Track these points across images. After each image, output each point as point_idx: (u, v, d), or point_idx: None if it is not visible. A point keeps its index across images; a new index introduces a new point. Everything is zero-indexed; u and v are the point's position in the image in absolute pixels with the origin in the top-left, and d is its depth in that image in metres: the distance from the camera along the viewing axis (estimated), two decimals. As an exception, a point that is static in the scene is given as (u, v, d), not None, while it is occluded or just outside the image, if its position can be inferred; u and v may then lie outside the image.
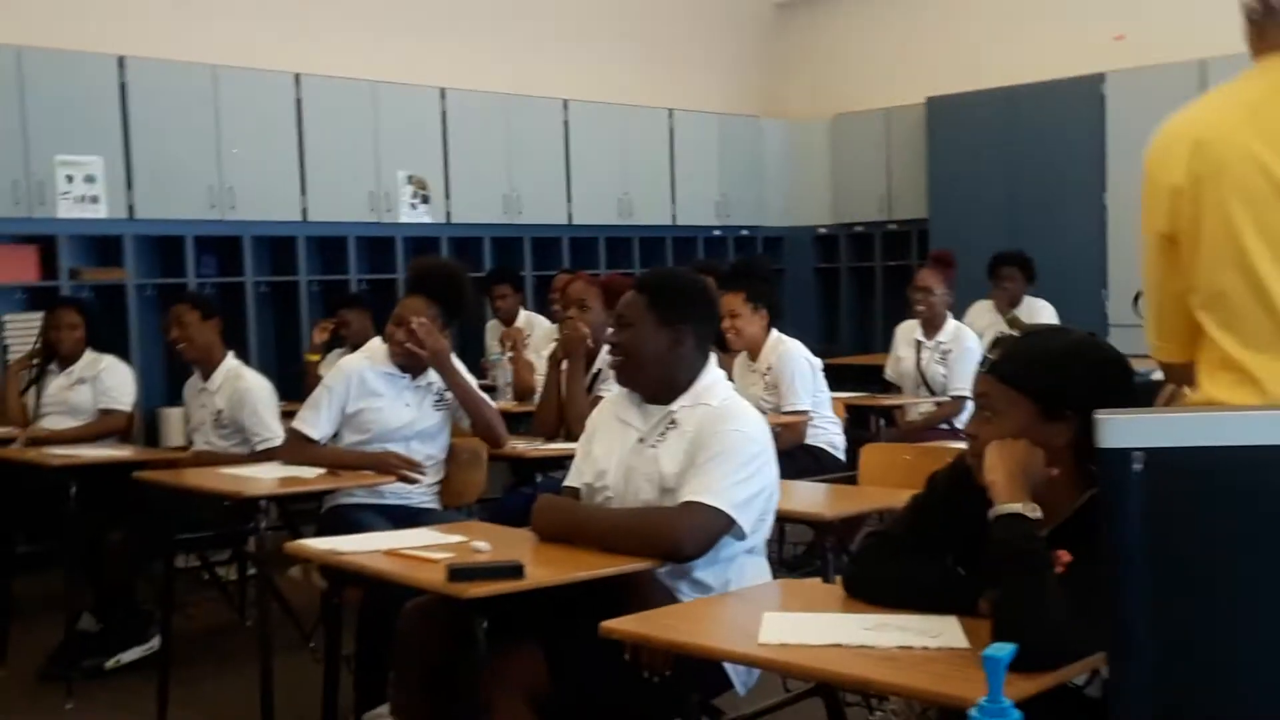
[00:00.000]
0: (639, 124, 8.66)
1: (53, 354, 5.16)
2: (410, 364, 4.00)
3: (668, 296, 2.72)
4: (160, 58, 6.52)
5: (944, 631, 1.86)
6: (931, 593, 1.97)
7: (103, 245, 6.53)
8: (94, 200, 6.29)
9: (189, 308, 4.67)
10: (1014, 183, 8.37)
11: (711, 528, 2.48)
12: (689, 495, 2.50)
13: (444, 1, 8.11)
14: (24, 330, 6.05)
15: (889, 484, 3.32)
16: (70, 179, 6.20)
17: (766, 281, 5.31)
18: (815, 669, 1.76)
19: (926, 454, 3.42)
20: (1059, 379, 1.92)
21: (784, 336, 4.99)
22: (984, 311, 6.77)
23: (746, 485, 2.52)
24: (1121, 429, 1.32)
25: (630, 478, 2.68)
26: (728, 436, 2.55)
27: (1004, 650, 1.41)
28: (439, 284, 4.05)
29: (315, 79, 7.06)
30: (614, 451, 2.74)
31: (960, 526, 2.04)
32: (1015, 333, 2.09)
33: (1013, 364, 1.95)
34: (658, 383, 2.71)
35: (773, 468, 2.63)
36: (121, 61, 6.36)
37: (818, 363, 4.96)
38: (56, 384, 5.14)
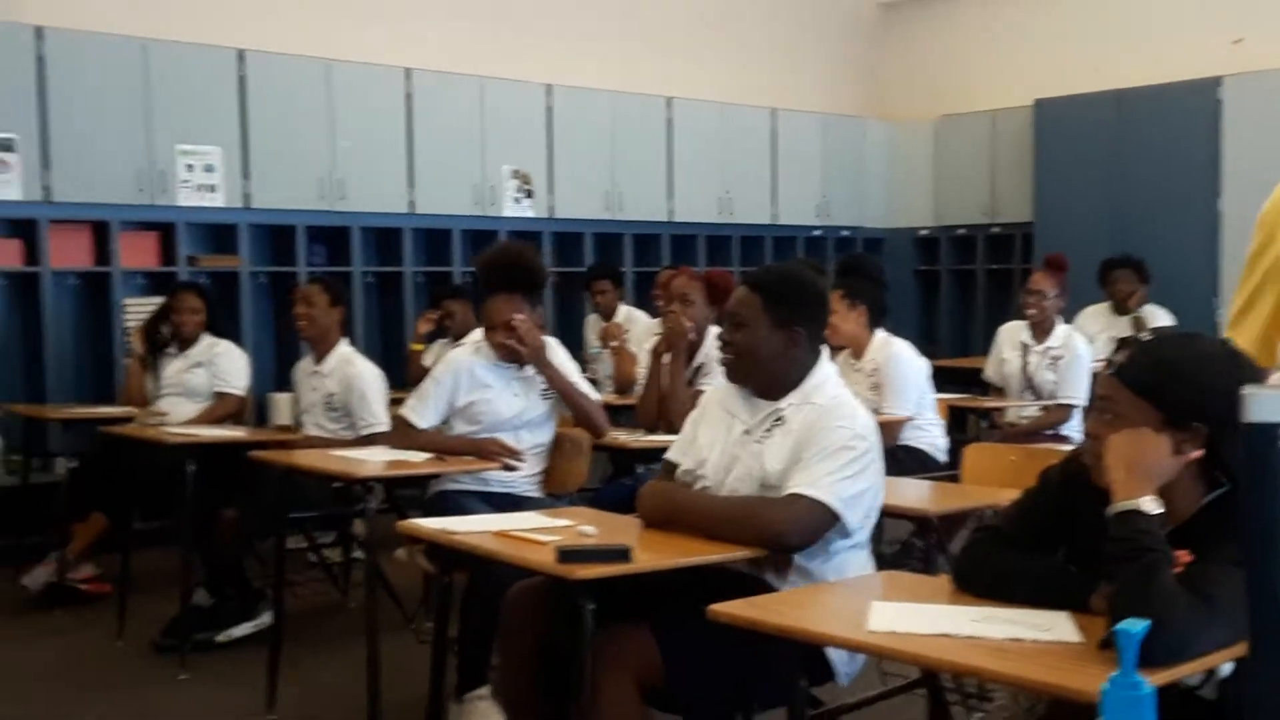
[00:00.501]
0: (742, 123, 8.67)
1: (172, 335, 5.34)
2: (514, 357, 4.05)
3: (783, 297, 2.72)
4: (277, 51, 6.70)
5: (1055, 625, 1.86)
6: (1042, 587, 1.96)
7: (219, 233, 6.73)
8: (212, 189, 6.49)
9: (320, 289, 4.79)
10: (1123, 187, 8.21)
11: (816, 521, 2.50)
12: (795, 488, 2.51)
13: (550, 1, 8.20)
14: (143, 314, 6.24)
15: (992, 484, 3.29)
16: (190, 168, 6.41)
17: (871, 280, 5.28)
18: (926, 656, 1.76)
19: (1032, 455, 3.39)
20: (1189, 390, 1.87)
21: (893, 337, 4.96)
22: (1096, 316, 6.67)
23: (854, 481, 2.53)
24: (1269, 404, 1.26)
25: (731, 469, 2.70)
26: (835, 433, 2.56)
27: (1138, 626, 1.38)
28: (518, 275, 4.03)
29: (425, 74, 7.19)
30: (717, 442, 2.75)
31: (1072, 523, 2.02)
32: (1143, 335, 2.03)
33: (1141, 370, 1.91)
34: (769, 382, 2.73)
35: (879, 465, 2.63)
36: (241, 55, 6.56)
37: (926, 365, 4.94)
38: (174, 366, 5.32)
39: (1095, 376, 2.02)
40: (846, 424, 2.58)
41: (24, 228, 6.11)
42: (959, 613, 1.94)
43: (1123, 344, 1.99)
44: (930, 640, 1.80)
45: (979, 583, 2.04)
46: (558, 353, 4.13)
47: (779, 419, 2.67)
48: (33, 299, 6.17)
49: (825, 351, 2.80)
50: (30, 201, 5.98)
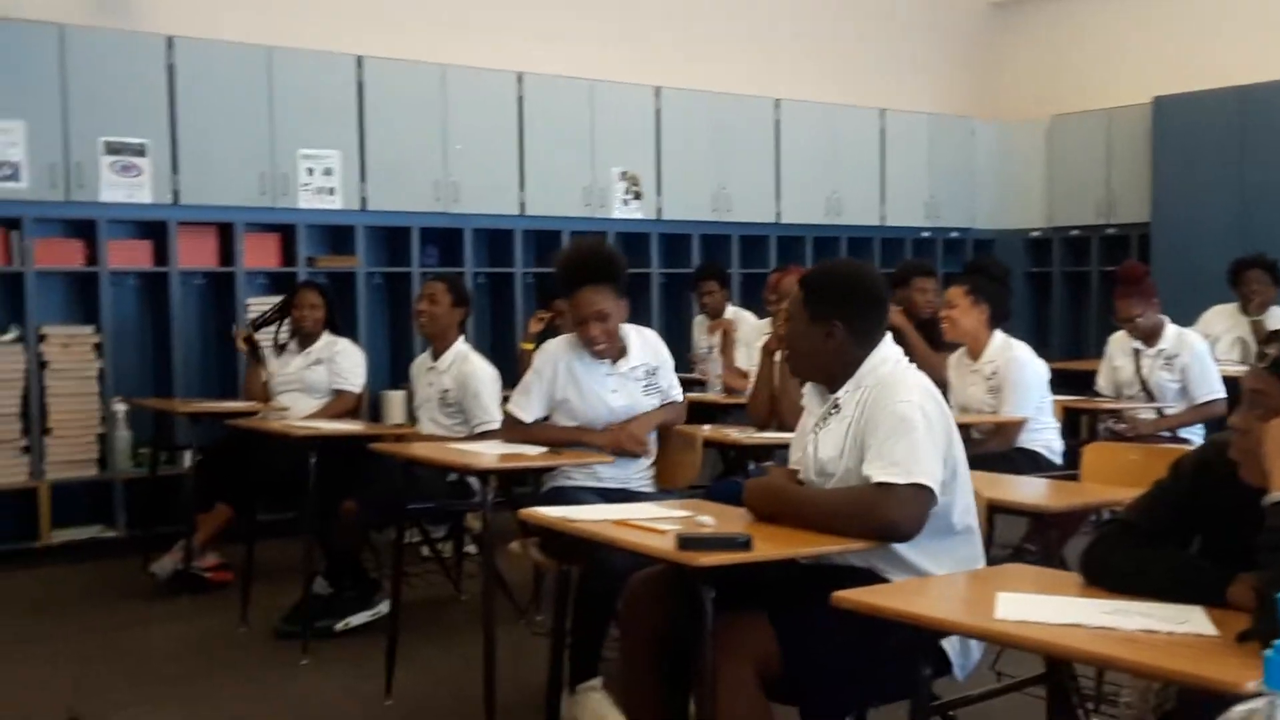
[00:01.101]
0: (849, 123, 8.62)
1: (293, 332, 5.50)
2: (606, 352, 4.05)
3: (819, 292, 2.77)
4: (394, 57, 6.85)
5: (1189, 619, 1.83)
6: (1176, 580, 1.94)
7: (336, 234, 6.90)
8: (331, 192, 6.66)
9: (445, 289, 4.87)
10: (1245, 187, 7.99)
11: (918, 504, 2.50)
12: (881, 477, 2.51)
13: (658, 5, 8.26)
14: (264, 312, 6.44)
15: (1112, 483, 3.24)
16: (310, 171, 6.58)
17: (996, 281, 5.23)
18: (1058, 645, 1.74)
19: (1154, 454, 3.32)
20: None
21: (1014, 340, 4.91)
22: (1223, 316, 6.51)
23: (929, 451, 2.53)
24: None
25: (807, 462, 2.77)
26: (893, 410, 2.57)
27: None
28: (602, 266, 3.98)
29: (536, 77, 7.29)
30: (801, 437, 2.84)
31: (1204, 516, 1.99)
32: None
33: None
34: (816, 373, 2.79)
35: (944, 421, 2.62)
36: (360, 61, 6.72)
37: (1045, 368, 4.87)
38: (295, 363, 5.47)
39: (1246, 371, 1.99)
40: (900, 397, 2.59)
41: (154, 229, 6.34)
42: (1089, 605, 1.92)
43: (1272, 337, 1.97)
44: (1061, 630, 1.79)
45: (1109, 576, 2.02)
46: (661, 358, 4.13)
47: (835, 407, 2.72)
48: (162, 298, 6.40)
49: (887, 336, 2.81)
50: (160, 204, 6.20)
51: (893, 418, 2.56)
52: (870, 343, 2.75)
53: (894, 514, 2.48)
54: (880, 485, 2.51)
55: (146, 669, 4.34)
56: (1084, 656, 1.84)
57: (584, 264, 3.98)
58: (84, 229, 6.17)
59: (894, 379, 2.67)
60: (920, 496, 2.50)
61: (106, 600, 5.28)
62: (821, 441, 2.71)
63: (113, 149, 6.04)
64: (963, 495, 2.65)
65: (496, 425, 4.61)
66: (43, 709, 3.92)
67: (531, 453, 3.86)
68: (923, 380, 2.69)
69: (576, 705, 3.58)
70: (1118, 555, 2.03)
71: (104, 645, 4.61)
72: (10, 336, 5.94)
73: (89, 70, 5.97)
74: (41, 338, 5.99)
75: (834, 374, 2.75)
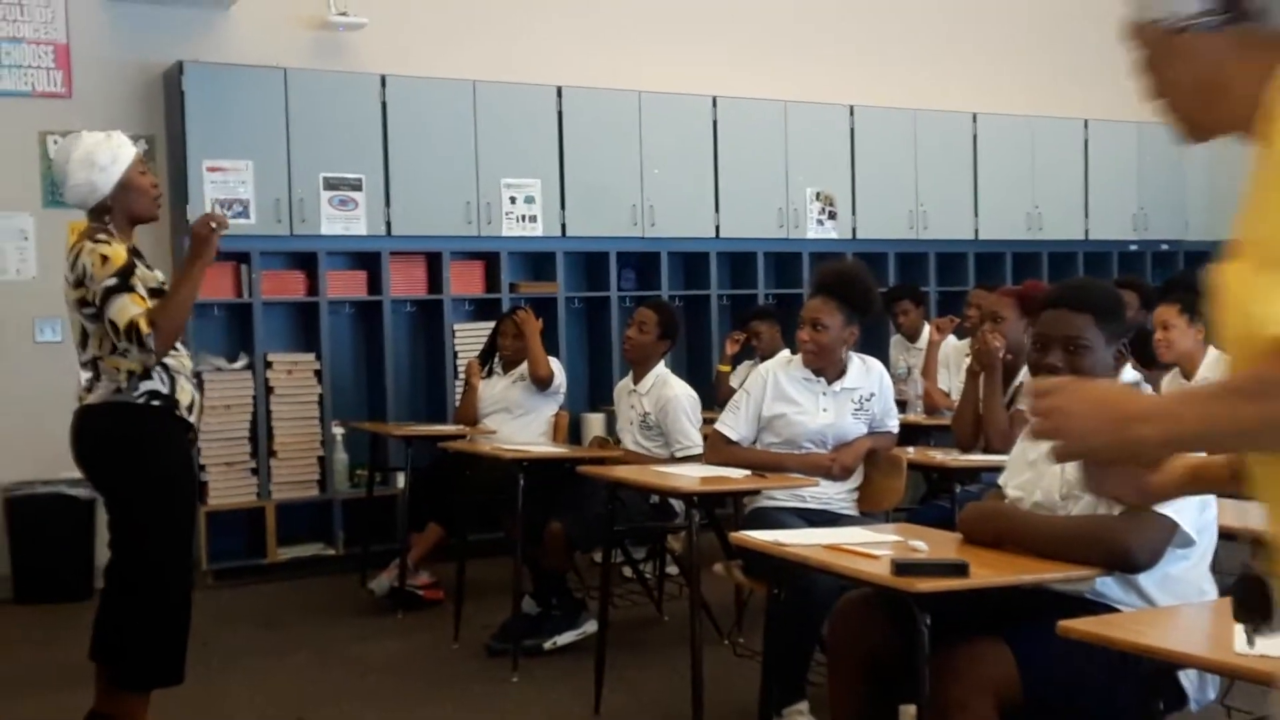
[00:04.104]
0: (1050, 135, 8.39)
1: (499, 357, 5.69)
2: (821, 366, 4.09)
3: (1110, 312, 2.72)
4: (591, 85, 7.01)
5: None
6: None
7: (538, 260, 7.10)
8: (532, 219, 6.85)
9: (657, 320, 4.99)
10: None
11: (1161, 535, 2.41)
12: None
13: (851, 22, 8.21)
14: (471, 337, 6.68)
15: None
16: (513, 200, 6.79)
17: (1204, 296, 5.01)
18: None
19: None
20: None
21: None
22: None
23: None
24: None
25: (1038, 483, 2.68)
26: None
27: None
28: (843, 285, 4.11)
29: (730, 100, 7.34)
30: (1019, 464, 2.78)
31: None
32: None
33: None
34: None
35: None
36: (559, 91, 6.91)
37: None
38: (499, 386, 5.65)
39: None
40: None
41: (368, 260, 6.65)
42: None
43: None
44: (1307, 666, 1.71)
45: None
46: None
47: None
48: (376, 325, 6.70)
49: (1127, 366, 2.74)
50: (374, 235, 6.50)
51: None
52: (1124, 365, 2.72)
53: (1132, 543, 2.41)
54: (1124, 512, 2.45)
55: (367, 681, 4.54)
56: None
57: (826, 276, 4.20)
58: (305, 261, 6.51)
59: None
60: (1163, 528, 2.42)
61: (328, 615, 5.54)
62: (1068, 465, 2.64)
63: (331, 184, 6.37)
64: (1210, 532, 2.55)
65: (697, 450, 4.69)
66: (274, 714, 4.15)
67: (735, 475, 3.91)
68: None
69: (784, 728, 3.59)
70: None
71: (327, 658, 4.85)
72: (240, 364, 6.32)
73: (310, 110, 6.32)
74: (268, 364, 6.35)
75: None
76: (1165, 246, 8.87)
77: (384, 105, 6.48)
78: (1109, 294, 2.77)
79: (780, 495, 4.04)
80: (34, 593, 5.87)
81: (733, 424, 4.14)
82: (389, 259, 6.60)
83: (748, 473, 3.92)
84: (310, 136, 6.31)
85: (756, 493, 4.01)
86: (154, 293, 3.38)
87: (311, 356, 6.47)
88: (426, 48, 6.90)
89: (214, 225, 3.41)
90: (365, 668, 4.71)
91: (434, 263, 6.77)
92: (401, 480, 5.96)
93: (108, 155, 3.41)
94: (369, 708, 4.23)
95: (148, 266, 3.46)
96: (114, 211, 3.44)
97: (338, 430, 6.45)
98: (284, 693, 4.40)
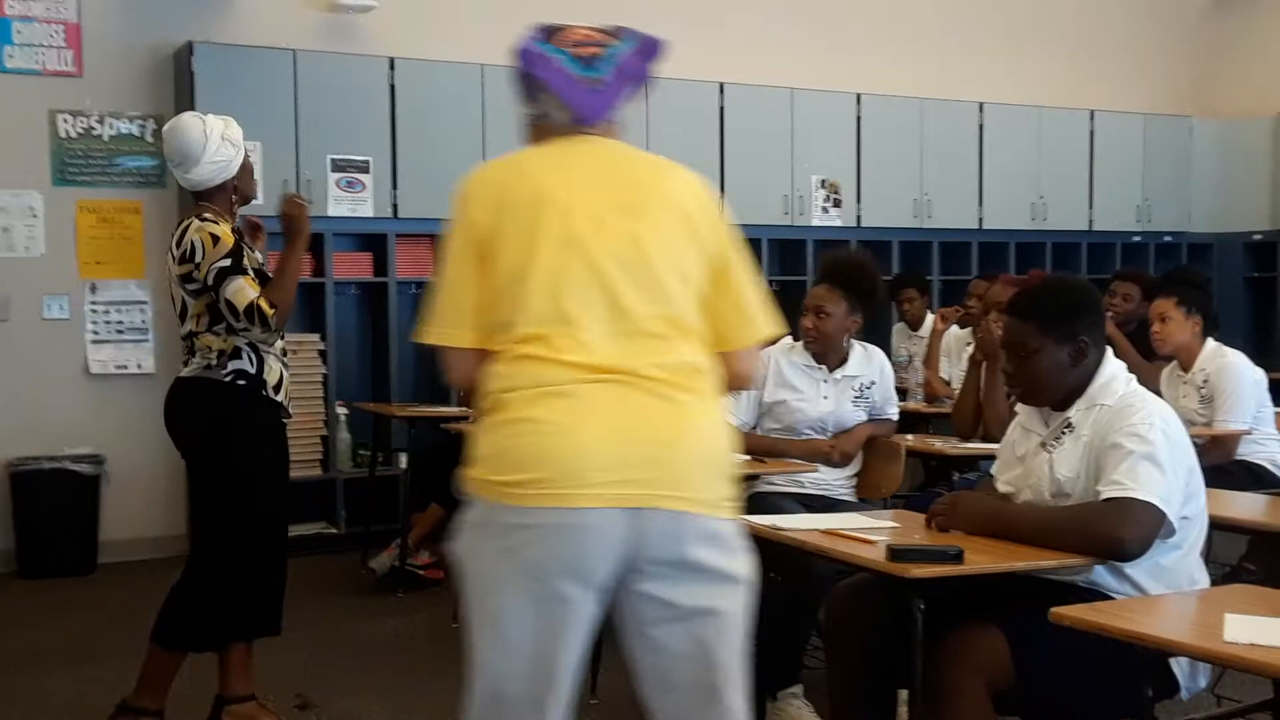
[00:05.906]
0: (1057, 126, 8.39)
1: None
2: (823, 353, 4.12)
3: (1059, 311, 2.74)
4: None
5: None
6: None
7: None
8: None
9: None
10: None
11: (1150, 524, 2.45)
12: (1114, 492, 2.47)
13: (860, 9, 8.21)
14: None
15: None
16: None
17: (1201, 289, 5.05)
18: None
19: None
20: None
21: (1225, 348, 4.73)
22: None
23: (1168, 477, 2.48)
24: None
25: (1026, 480, 2.72)
26: (1134, 431, 2.52)
27: None
28: (847, 274, 4.15)
29: (736, 87, 7.34)
30: (1009, 456, 2.82)
31: None
32: None
33: None
34: (1056, 396, 2.72)
35: (1186, 454, 2.56)
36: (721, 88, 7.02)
37: (1261, 376, 4.67)
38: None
39: None
40: (1141, 419, 2.54)
41: (374, 242, 6.67)
42: (1322, 629, 1.86)
43: None
44: (1295, 654, 1.74)
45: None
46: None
47: (1069, 426, 2.68)
48: (380, 306, 6.73)
49: (1108, 350, 2.76)
50: (380, 217, 6.52)
51: (1133, 438, 2.52)
52: (1100, 356, 2.72)
53: (1121, 531, 2.44)
54: (1110, 501, 2.48)
55: (367, 659, 4.58)
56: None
57: (831, 265, 4.27)
58: (312, 242, 6.47)
59: (1135, 399, 2.63)
60: (1151, 516, 2.45)
61: (329, 593, 5.58)
62: (1058, 461, 2.66)
63: (338, 166, 6.39)
64: (1199, 522, 2.59)
65: None
66: (275, 693, 4.18)
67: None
68: (1162, 404, 2.64)
69: (779, 712, 3.62)
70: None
71: (329, 635, 4.89)
72: (245, 343, 6.34)
73: (318, 92, 6.33)
74: (273, 344, 6.37)
75: (1070, 393, 2.71)
76: (1169, 238, 8.89)
77: (392, 88, 6.50)
78: (1055, 297, 2.76)
79: (779, 480, 4.08)
80: (37, 568, 5.92)
81: (734, 410, 4.16)
82: (395, 241, 6.63)
83: (747, 458, 3.95)
84: (318, 118, 6.32)
85: (756, 478, 4.05)
86: (255, 274, 3.47)
87: (316, 337, 6.50)
88: (435, 31, 6.91)
89: (301, 201, 3.54)
90: (365, 646, 4.75)
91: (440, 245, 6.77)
92: (404, 461, 5.99)
93: (238, 135, 3.53)
94: (369, 686, 4.28)
95: (249, 247, 3.55)
96: (227, 191, 3.54)
97: (341, 410, 6.49)
98: (284, 670, 4.43)
